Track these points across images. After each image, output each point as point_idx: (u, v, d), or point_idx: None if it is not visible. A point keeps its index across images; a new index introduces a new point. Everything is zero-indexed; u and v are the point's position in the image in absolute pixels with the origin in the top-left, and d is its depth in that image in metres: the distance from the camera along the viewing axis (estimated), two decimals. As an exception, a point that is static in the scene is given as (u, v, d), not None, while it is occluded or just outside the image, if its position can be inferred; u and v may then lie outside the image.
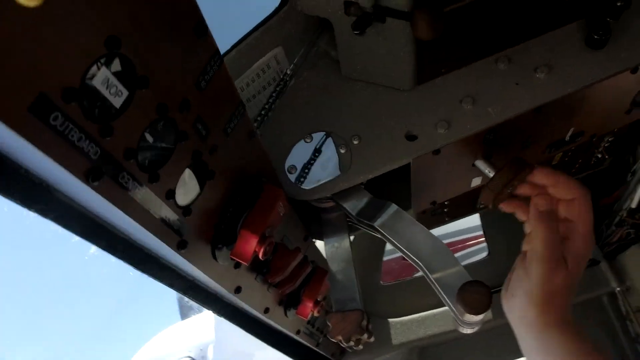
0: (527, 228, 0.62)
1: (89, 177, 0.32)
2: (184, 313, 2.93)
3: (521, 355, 0.83)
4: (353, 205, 0.69)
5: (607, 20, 0.70)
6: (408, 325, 1.42)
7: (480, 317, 0.52)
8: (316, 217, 0.81)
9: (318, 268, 0.81)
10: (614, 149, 1.35)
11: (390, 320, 1.42)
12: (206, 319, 2.52)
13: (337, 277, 0.70)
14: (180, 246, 0.46)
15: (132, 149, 0.36)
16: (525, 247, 0.59)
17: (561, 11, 0.73)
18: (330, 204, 0.73)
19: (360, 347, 0.68)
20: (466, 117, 0.69)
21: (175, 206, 0.43)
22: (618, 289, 1.45)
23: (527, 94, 0.70)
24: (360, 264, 1.38)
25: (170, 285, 0.65)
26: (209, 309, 0.88)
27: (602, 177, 1.50)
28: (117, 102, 0.33)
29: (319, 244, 0.91)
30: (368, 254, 1.42)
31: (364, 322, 0.65)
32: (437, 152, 0.68)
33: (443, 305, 1.46)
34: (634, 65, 0.72)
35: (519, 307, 0.57)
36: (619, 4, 0.68)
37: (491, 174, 0.75)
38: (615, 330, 1.48)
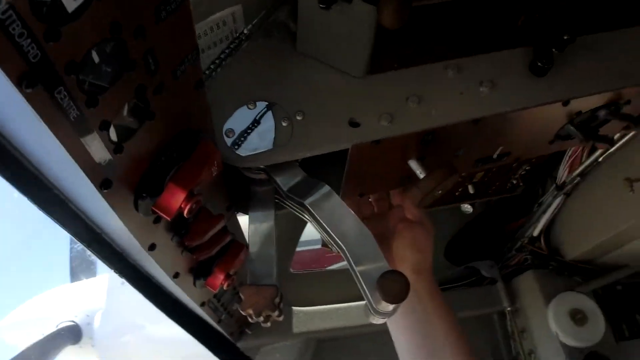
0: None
1: (22, 81, 0.29)
2: (75, 275, 2.77)
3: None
4: (285, 181, 0.68)
5: (552, 51, 0.75)
6: (310, 316, 1.44)
7: (394, 306, 0.54)
8: (243, 188, 0.79)
9: (236, 241, 0.79)
10: (528, 179, 1.45)
11: (293, 308, 1.43)
12: (98, 285, 2.40)
13: (257, 250, 0.69)
14: (104, 185, 0.44)
15: (76, 63, 0.33)
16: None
17: (513, 34, 0.77)
18: (262, 176, 0.72)
19: (268, 324, 0.67)
20: (410, 115, 0.71)
21: (108, 140, 0.41)
22: (508, 308, 1.55)
23: (469, 105, 0.74)
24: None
25: (76, 234, 0.61)
26: (111, 267, 0.84)
27: (512, 204, 1.61)
28: (70, 5, 0.30)
29: (242, 221, 0.90)
30: (282, 240, 1.42)
31: (277, 300, 0.65)
32: (376, 142, 0.69)
33: (348, 301, 1.51)
34: (567, 99, 0.78)
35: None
36: (565, 37, 0.73)
37: (422, 175, 0.78)
38: (499, 347, 1.59)
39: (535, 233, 1.55)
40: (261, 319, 0.65)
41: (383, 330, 1.59)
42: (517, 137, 0.86)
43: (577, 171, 1.31)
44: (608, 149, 1.19)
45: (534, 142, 0.90)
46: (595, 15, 0.78)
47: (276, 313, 0.65)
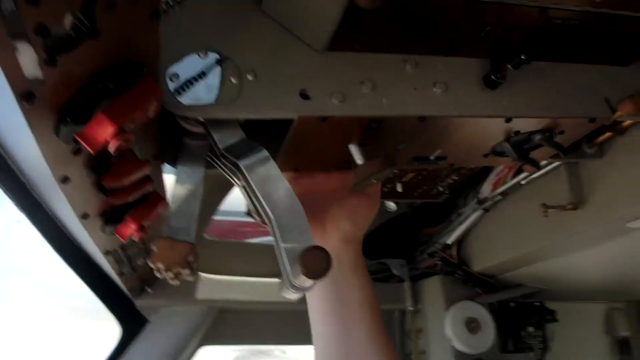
0: None
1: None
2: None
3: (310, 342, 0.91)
4: (223, 138, 0.66)
5: (507, 67, 0.78)
6: (217, 285, 1.42)
7: (312, 282, 0.54)
8: (175, 139, 0.76)
9: (156, 193, 0.76)
10: (454, 189, 1.50)
11: (201, 274, 1.41)
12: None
13: (180, 206, 0.67)
14: (25, 97, 0.39)
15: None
16: None
17: (475, 44, 0.78)
18: (199, 129, 0.69)
19: (177, 282, 0.65)
20: (361, 99, 0.71)
21: (41, 47, 0.37)
22: (410, 308, 1.61)
23: (420, 102, 0.75)
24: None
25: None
26: (12, 199, 0.78)
27: (433, 209, 1.67)
28: None
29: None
30: (204, 207, 1.38)
31: (191, 258, 0.63)
32: (323, 119, 0.69)
33: (258, 276, 1.50)
34: (510, 116, 0.81)
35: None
36: (522, 57, 0.76)
37: (360, 161, 0.78)
38: (394, 344, 1.65)
39: (450, 241, 1.62)
40: (170, 275, 0.63)
41: (286, 310, 1.61)
42: (457, 143, 0.88)
43: (500, 189, 1.38)
44: (532, 173, 1.26)
45: (470, 152, 0.93)
46: (553, 45, 0.81)
47: (187, 271, 0.63)
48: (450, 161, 0.95)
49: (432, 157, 0.91)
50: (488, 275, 1.59)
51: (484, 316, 1.51)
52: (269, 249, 1.60)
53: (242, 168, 0.62)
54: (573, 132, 0.93)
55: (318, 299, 0.80)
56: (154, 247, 0.62)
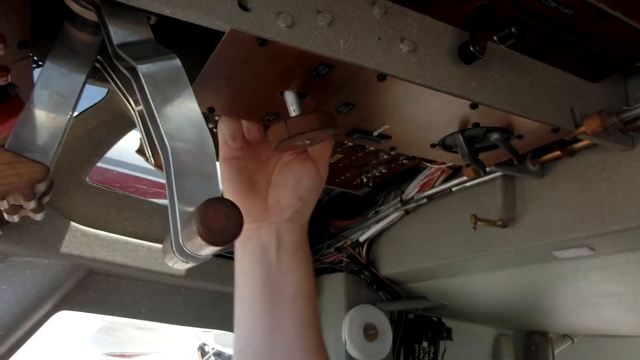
0: None
1: None
2: None
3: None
4: (122, 33, 0.48)
5: (491, 40, 0.66)
6: (90, 239, 1.20)
7: (212, 249, 0.38)
8: (52, 24, 0.56)
9: (17, 97, 0.57)
10: (377, 183, 1.40)
11: (72, 223, 1.18)
12: None
13: (40, 113, 0.48)
14: None
15: None
16: None
17: (456, 6, 0.66)
18: (90, 14, 0.50)
19: (15, 218, 0.46)
20: (315, 31, 0.56)
21: None
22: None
23: (383, 55, 0.61)
24: (76, 144, 1.12)
25: None
26: None
27: (350, 201, 1.56)
28: None
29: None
30: (92, 138, 1.16)
31: (41, 187, 0.44)
32: (261, 43, 0.53)
33: (141, 239, 1.30)
34: (477, 101, 0.70)
35: None
36: (512, 30, 0.65)
37: (294, 113, 0.63)
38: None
39: (362, 239, 1.51)
40: (5, 204, 0.44)
41: (170, 284, 1.42)
42: (408, 122, 0.76)
43: (427, 192, 1.28)
44: (467, 181, 1.17)
45: (419, 136, 0.81)
46: (537, 33, 0.71)
47: (32, 205, 0.44)
48: (393, 143, 0.82)
49: (375, 133, 0.78)
50: (394, 282, 1.50)
51: (384, 324, 1.42)
52: (161, 210, 1.41)
53: (140, 74, 0.44)
54: (531, 140, 0.84)
55: (247, 282, 0.67)
56: (-14, 157, 0.43)
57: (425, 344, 1.64)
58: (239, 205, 0.38)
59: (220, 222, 0.38)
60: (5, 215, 0.47)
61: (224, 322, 1.49)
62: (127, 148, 1.16)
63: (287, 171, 0.71)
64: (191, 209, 0.40)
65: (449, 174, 1.26)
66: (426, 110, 0.73)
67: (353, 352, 1.32)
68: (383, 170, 1.34)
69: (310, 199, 0.71)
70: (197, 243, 0.38)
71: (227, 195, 0.70)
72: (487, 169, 1.02)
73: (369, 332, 1.37)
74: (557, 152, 0.99)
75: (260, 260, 0.67)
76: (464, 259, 1.20)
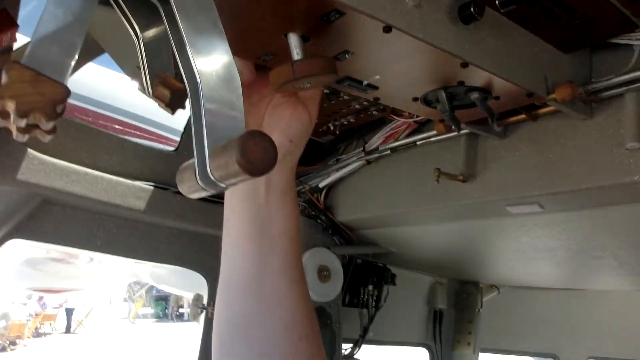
0: None
1: None
2: None
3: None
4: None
5: (491, 4, 0.69)
6: (48, 168, 1.16)
7: (245, 178, 0.39)
8: None
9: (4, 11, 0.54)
10: (343, 132, 1.43)
11: (30, 150, 1.13)
12: None
13: (55, 30, 0.46)
14: None
15: None
16: None
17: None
18: None
19: (24, 138, 0.45)
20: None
21: None
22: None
23: (390, 8, 0.63)
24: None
25: None
26: None
27: (313, 148, 1.58)
28: None
29: None
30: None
31: (60, 109, 0.43)
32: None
33: (102, 170, 1.26)
34: (468, 61, 0.73)
35: None
36: (514, -5, 0.67)
37: (298, 56, 0.64)
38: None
39: (321, 185, 1.55)
40: (21, 123, 0.43)
41: (125, 217, 1.40)
42: (398, 75, 0.78)
43: (392, 144, 1.33)
44: (435, 136, 1.22)
45: (404, 89, 0.84)
46: (530, 9, 0.75)
47: (50, 125, 0.44)
48: (378, 94, 0.84)
49: (365, 83, 0.80)
50: (349, 228, 1.56)
51: (336, 266, 1.49)
52: (121, 144, 1.37)
53: (171, 1, 0.44)
54: (506, 101, 0.89)
55: (236, 220, 0.70)
56: (5, 74, 0.41)
57: (370, 287, 1.73)
58: None
59: (259, 154, 0.39)
60: (15, 133, 0.46)
61: (180, 258, 1.50)
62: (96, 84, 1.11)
63: (279, 113, 0.72)
64: (226, 136, 0.41)
65: (414, 128, 1.31)
66: (418, 65, 0.76)
67: (308, 292, 1.38)
68: (351, 120, 1.36)
69: (301, 141, 0.72)
70: (233, 171, 0.39)
71: None
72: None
73: (323, 274, 1.44)
74: (522, 116, 1.05)
75: (251, 201, 0.69)
76: (420, 210, 1.27)
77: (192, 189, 0.46)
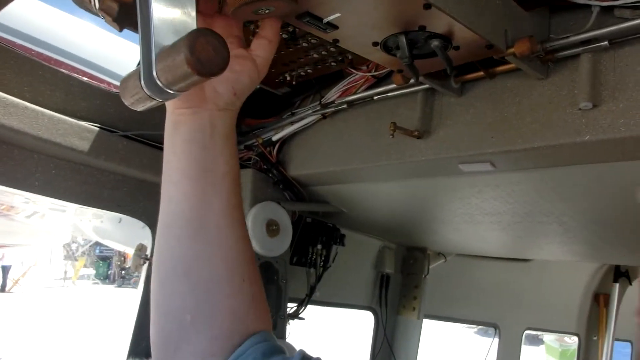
0: None
1: None
2: None
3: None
4: None
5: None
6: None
7: (194, 80, 0.38)
8: None
9: None
10: (298, 84, 1.41)
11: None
12: None
13: None
14: None
15: None
16: None
17: None
18: None
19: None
20: None
21: None
22: (212, 195, 1.50)
23: None
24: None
25: None
26: None
27: (266, 100, 1.56)
28: None
29: None
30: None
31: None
32: None
33: (44, 106, 1.20)
34: (432, 3, 0.73)
35: None
36: None
37: None
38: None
39: (274, 138, 1.53)
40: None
41: (66, 158, 1.33)
42: (359, 14, 0.77)
43: (348, 98, 1.33)
44: (387, 92, 1.23)
45: (365, 32, 0.83)
46: None
47: None
48: (338, 35, 0.83)
49: (325, 20, 0.78)
50: (301, 183, 1.56)
51: (285, 222, 1.49)
52: (66, 80, 1.30)
53: None
54: (466, 53, 0.90)
55: (179, 161, 0.70)
56: None
57: (319, 247, 1.74)
58: None
59: (209, 53, 0.38)
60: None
61: (124, 205, 1.47)
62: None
63: (229, 66, 0.71)
64: (168, 42, 0.40)
65: (371, 83, 1.31)
66: (380, 4, 0.75)
67: (255, 246, 1.38)
68: (309, 71, 1.34)
69: (244, 94, 0.74)
70: (181, 72, 0.38)
71: None
72: (411, 82, 1.07)
73: (271, 228, 1.43)
74: (480, 73, 1.06)
75: (195, 142, 0.70)
76: (374, 166, 1.28)
77: (136, 98, 0.44)
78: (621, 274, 3.07)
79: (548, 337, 8.65)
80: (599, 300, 3.14)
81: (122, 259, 19.27)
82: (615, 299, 3.03)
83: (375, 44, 0.87)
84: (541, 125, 1.00)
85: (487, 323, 2.78)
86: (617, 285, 3.04)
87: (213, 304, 0.68)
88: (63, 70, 1.32)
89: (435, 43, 0.85)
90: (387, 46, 0.88)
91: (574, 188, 1.20)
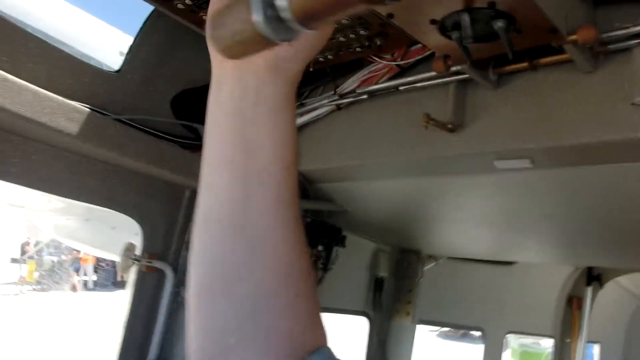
0: None
1: None
2: None
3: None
4: None
5: None
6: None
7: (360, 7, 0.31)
8: None
9: None
10: (310, 75, 1.33)
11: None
12: None
13: None
14: None
15: None
16: None
17: None
18: None
19: None
20: None
21: None
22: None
23: None
24: None
25: None
26: None
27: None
28: None
29: None
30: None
31: None
32: None
33: (40, 86, 1.07)
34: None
35: None
36: None
37: None
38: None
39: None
40: None
41: (59, 146, 1.20)
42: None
43: (370, 88, 1.26)
44: (415, 83, 1.17)
45: (427, 5, 0.77)
46: None
47: None
48: (394, 10, 0.77)
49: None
50: (307, 179, 1.48)
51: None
52: (51, 52, 1.18)
53: None
54: (528, 36, 0.84)
55: (218, 136, 0.57)
56: None
57: (321, 248, 1.67)
58: None
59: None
60: None
61: (112, 199, 1.35)
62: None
63: None
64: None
65: (395, 72, 1.24)
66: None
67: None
68: (329, 57, 1.26)
69: (308, 53, 0.58)
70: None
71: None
72: (440, 73, 1.01)
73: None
74: (524, 64, 1.01)
75: (235, 111, 0.56)
76: (395, 160, 1.22)
77: (240, 36, 0.35)
78: (593, 278, 3.14)
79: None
80: (572, 303, 3.20)
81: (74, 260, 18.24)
82: (588, 302, 3.09)
83: (433, 21, 0.81)
84: (589, 121, 0.96)
85: (474, 327, 2.77)
86: (590, 288, 3.11)
87: (261, 326, 0.55)
88: (48, 41, 1.20)
89: (499, 24, 0.79)
90: (444, 26, 0.82)
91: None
